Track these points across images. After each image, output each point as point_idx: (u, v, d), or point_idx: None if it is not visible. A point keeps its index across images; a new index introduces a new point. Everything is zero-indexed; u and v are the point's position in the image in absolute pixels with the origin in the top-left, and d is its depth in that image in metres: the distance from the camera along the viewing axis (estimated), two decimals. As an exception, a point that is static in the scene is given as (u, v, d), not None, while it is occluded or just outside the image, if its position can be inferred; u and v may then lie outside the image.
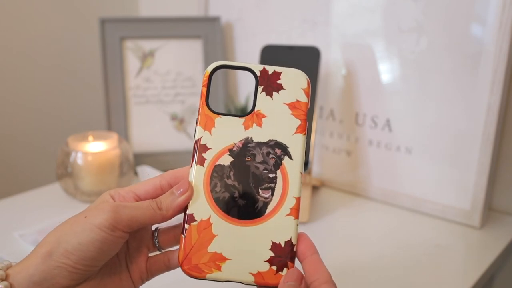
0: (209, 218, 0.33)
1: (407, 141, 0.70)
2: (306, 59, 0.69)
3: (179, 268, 0.33)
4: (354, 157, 0.76)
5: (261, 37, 0.84)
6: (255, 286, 0.33)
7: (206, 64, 0.88)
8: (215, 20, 0.87)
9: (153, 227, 0.36)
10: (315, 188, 0.77)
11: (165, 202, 0.34)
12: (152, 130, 0.88)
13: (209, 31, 0.87)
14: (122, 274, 0.35)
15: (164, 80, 0.88)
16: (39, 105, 0.95)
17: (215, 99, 0.88)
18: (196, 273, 0.32)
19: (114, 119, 0.86)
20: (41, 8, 0.92)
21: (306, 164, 0.66)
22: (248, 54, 0.88)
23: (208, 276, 0.32)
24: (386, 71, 0.70)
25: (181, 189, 0.33)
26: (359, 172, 0.76)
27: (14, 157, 0.93)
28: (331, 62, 0.75)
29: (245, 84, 0.90)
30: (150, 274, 0.36)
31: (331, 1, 0.74)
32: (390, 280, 0.54)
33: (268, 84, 0.35)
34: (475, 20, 0.62)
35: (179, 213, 0.34)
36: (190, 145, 0.88)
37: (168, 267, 0.36)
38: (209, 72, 0.35)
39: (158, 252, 0.36)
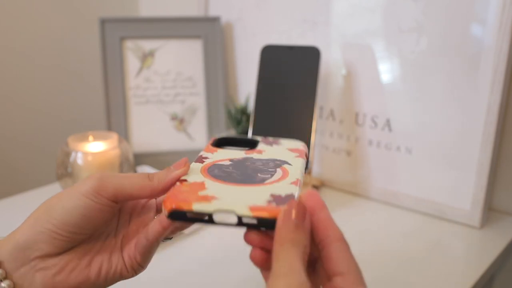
0: (203, 182, 0.32)
1: (407, 141, 0.70)
2: (306, 59, 0.69)
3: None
4: (354, 157, 0.76)
5: (261, 37, 0.84)
6: (250, 221, 0.29)
7: (206, 64, 0.88)
8: (215, 20, 0.87)
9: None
10: (315, 188, 0.77)
11: (158, 175, 0.33)
12: (152, 130, 0.88)
13: (209, 31, 0.87)
14: (113, 253, 0.34)
15: (164, 80, 0.88)
16: (39, 105, 0.95)
17: (215, 99, 0.88)
18: (181, 204, 0.29)
19: (114, 119, 0.86)
20: (41, 8, 0.92)
21: (306, 164, 0.66)
22: (248, 54, 0.88)
23: (195, 205, 0.28)
24: (386, 71, 0.70)
25: (178, 166, 0.33)
26: (359, 172, 0.76)
27: (14, 157, 0.93)
28: (331, 62, 0.75)
29: (245, 84, 0.90)
30: (138, 253, 0.34)
31: (331, 1, 0.74)
32: (390, 280, 0.54)
33: (269, 142, 0.39)
34: (475, 20, 0.62)
35: (171, 187, 0.32)
36: (190, 145, 0.88)
37: (146, 237, 0.33)
38: (213, 143, 0.38)
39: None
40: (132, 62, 0.87)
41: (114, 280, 0.34)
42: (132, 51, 0.87)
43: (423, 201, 0.69)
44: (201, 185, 0.31)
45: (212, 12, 0.91)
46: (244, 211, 0.28)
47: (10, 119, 0.91)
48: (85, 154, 0.70)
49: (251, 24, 0.86)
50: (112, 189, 0.32)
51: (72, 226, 0.31)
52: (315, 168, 0.80)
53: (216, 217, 0.28)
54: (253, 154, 0.36)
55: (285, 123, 0.67)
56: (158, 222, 0.33)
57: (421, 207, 0.70)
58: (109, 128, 0.85)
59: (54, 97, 0.97)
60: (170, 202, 0.29)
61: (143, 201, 0.36)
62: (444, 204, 0.68)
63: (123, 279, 0.35)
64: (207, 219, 0.29)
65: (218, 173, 0.33)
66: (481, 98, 0.62)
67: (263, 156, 0.36)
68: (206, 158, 0.36)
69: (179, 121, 0.89)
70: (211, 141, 0.38)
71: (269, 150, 0.37)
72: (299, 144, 0.39)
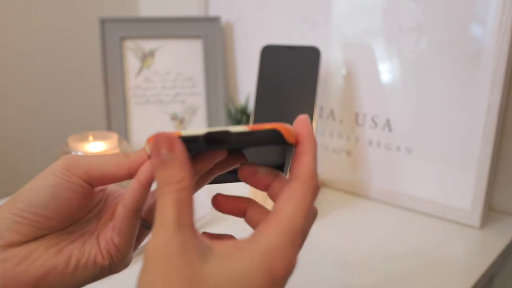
0: None
1: (407, 141, 0.70)
2: (306, 59, 0.69)
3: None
4: (354, 157, 0.76)
5: (261, 37, 0.84)
6: (248, 137, 0.26)
7: (206, 64, 0.88)
8: (215, 20, 0.87)
9: None
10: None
11: (135, 152, 0.30)
12: (152, 130, 0.88)
13: (209, 31, 0.87)
14: (87, 240, 0.30)
15: (164, 80, 0.88)
16: (39, 105, 0.95)
17: (215, 99, 0.88)
18: (169, 133, 0.26)
19: (114, 119, 0.86)
20: (41, 8, 0.92)
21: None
22: (248, 54, 0.88)
23: (184, 132, 0.26)
24: (386, 71, 0.70)
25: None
26: (359, 172, 0.76)
27: (14, 157, 0.93)
28: (331, 62, 0.75)
29: (245, 84, 0.90)
30: (115, 233, 0.30)
31: (331, 1, 0.74)
32: (390, 280, 0.54)
33: None
34: (475, 20, 0.62)
35: None
36: (190, 145, 0.88)
37: (124, 204, 0.29)
38: None
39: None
40: (132, 62, 0.87)
41: (88, 270, 0.29)
42: (132, 51, 0.87)
43: (423, 201, 0.69)
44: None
45: (212, 12, 0.91)
46: (241, 128, 0.26)
47: (10, 119, 0.91)
48: (85, 154, 0.70)
49: (251, 24, 0.86)
50: (84, 167, 0.29)
51: (39, 207, 0.28)
52: (315, 168, 0.80)
53: (208, 137, 0.26)
54: None
55: (286, 123, 0.67)
56: (135, 180, 0.28)
57: (421, 207, 0.70)
58: (109, 128, 0.85)
59: (54, 97, 0.97)
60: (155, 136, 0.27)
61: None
62: (444, 204, 0.68)
63: (102, 272, 0.30)
64: (197, 143, 0.26)
65: None
66: (481, 98, 0.62)
67: None
68: None
69: (179, 121, 0.89)
70: None
71: None
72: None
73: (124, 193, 0.32)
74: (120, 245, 0.30)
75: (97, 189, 0.32)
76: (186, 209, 0.24)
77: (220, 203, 0.31)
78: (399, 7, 0.67)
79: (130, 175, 0.29)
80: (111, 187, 0.34)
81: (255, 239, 0.24)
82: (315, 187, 0.26)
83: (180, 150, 0.25)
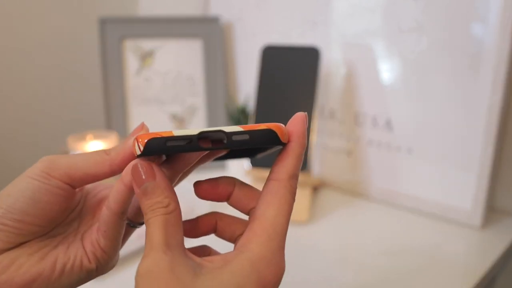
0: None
1: (408, 141, 0.70)
2: (306, 59, 0.69)
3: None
4: (354, 157, 0.76)
5: (261, 37, 0.84)
6: (242, 137, 0.26)
7: (206, 64, 0.88)
8: (215, 20, 0.87)
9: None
10: (315, 188, 0.77)
11: (115, 147, 0.28)
12: (152, 130, 0.87)
13: (209, 31, 0.87)
14: (72, 244, 0.29)
15: (164, 80, 0.88)
16: (39, 105, 0.95)
17: (215, 99, 0.88)
18: (160, 133, 0.25)
19: (114, 119, 0.86)
20: (41, 8, 0.92)
21: (305, 164, 0.66)
22: (248, 54, 0.88)
23: (176, 131, 0.25)
24: (386, 71, 0.70)
25: (135, 132, 0.29)
26: (359, 172, 0.75)
27: (14, 157, 0.93)
28: (331, 62, 0.75)
29: (245, 84, 0.90)
30: (101, 235, 0.29)
31: (331, 1, 0.74)
32: (390, 280, 0.54)
33: None
34: (476, 20, 0.62)
35: (130, 157, 0.28)
36: (190, 145, 0.88)
37: (108, 206, 0.28)
38: None
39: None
40: (132, 62, 0.87)
41: (74, 275, 0.29)
42: (132, 51, 0.87)
43: (424, 201, 0.69)
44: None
45: (212, 11, 0.91)
46: (235, 128, 0.25)
47: (10, 119, 0.91)
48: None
49: (251, 24, 0.86)
50: (64, 168, 0.27)
51: (18, 212, 0.26)
52: (315, 168, 0.80)
53: (202, 138, 0.25)
54: None
55: (285, 123, 0.67)
56: (120, 182, 0.27)
57: (421, 207, 0.69)
58: (109, 127, 0.85)
59: (54, 97, 0.97)
60: (145, 135, 0.26)
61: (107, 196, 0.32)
62: (445, 204, 0.68)
63: (89, 275, 0.30)
64: (188, 144, 0.25)
65: None
66: (482, 98, 0.62)
67: None
68: None
69: (179, 121, 0.88)
70: None
71: None
72: None
73: (108, 194, 0.31)
74: (106, 247, 0.29)
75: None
76: (174, 230, 0.24)
77: (204, 191, 0.29)
78: (399, 7, 0.67)
79: (112, 173, 0.28)
80: (89, 184, 0.32)
81: (243, 249, 0.24)
82: (294, 188, 0.26)
83: (160, 177, 0.25)
